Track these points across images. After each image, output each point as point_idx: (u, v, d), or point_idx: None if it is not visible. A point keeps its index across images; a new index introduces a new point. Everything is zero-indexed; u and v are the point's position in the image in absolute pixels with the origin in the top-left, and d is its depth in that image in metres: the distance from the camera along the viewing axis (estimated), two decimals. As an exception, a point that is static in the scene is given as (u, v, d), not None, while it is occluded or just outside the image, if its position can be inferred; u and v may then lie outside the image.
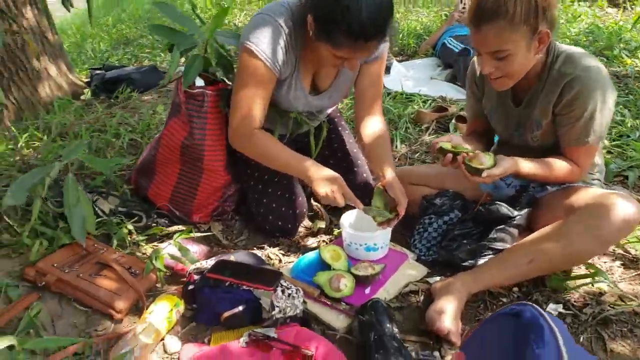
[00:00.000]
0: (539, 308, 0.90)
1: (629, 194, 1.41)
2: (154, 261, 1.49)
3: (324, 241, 1.75)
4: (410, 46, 4.50)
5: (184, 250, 1.53)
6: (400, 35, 4.80)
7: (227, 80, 1.78)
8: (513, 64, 1.35)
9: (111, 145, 2.38)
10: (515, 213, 1.50)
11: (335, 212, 1.81)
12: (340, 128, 1.95)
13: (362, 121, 1.70)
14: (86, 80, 3.49)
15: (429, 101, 3.10)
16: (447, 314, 1.27)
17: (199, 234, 1.74)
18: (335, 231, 1.79)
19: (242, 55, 1.49)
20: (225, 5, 1.68)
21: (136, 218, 1.80)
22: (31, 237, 1.53)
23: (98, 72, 3.42)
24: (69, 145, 2.16)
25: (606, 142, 2.30)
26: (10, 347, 1.10)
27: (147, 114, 2.78)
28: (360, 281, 1.44)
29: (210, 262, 1.44)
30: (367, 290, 1.44)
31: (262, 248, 1.72)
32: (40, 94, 2.97)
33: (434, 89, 3.33)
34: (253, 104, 1.52)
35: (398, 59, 4.16)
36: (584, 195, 1.41)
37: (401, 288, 1.47)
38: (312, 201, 1.85)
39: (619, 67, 3.48)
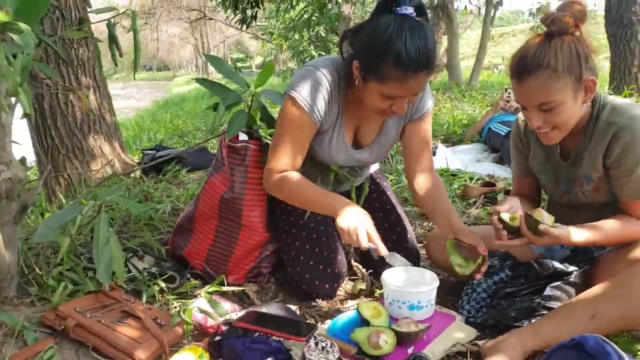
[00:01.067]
0: (603, 337, 0.77)
1: None
2: (181, 314, 1.41)
3: (364, 304, 1.63)
4: (457, 134, 4.54)
5: (214, 304, 1.45)
6: (446, 125, 4.89)
7: (270, 139, 1.80)
8: (562, 114, 1.31)
9: (154, 212, 2.40)
10: (571, 268, 1.37)
11: (377, 275, 1.70)
12: (382, 188, 1.90)
13: (415, 178, 1.66)
14: (138, 161, 3.66)
15: (475, 178, 3.03)
16: (500, 374, 1.11)
17: (231, 289, 1.66)
18: (377, 292, 1.67)
19: (284, 104, 1.52)
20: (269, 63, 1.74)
21: (168, 275, 1.74)
22: (56, 279, 1.49)
23: (149, 152, 3.58)
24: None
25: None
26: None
27: (193, 187, 2.83)
28: (402, 339, 1.30)
29: (240, 315, 1.35)
30: (410, 350, 1.29)
31: (299, 308, 1.61)
32: (92, 171, 3.11)
33: (481, 168, 3.27)
34: (290, 150, 1.52)
35: (444, 145, 4.17)
36: None
37: (447, 349, 1.31)
38: (352, 261, 1.76)
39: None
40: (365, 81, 1.39)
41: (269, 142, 1.79)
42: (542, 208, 1.43)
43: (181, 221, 1.90)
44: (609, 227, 1.34)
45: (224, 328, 1.31)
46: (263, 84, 1.72)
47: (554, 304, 1.35)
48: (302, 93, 1.48)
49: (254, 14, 6.88)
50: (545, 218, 1.31)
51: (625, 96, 4.39)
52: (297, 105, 1.48)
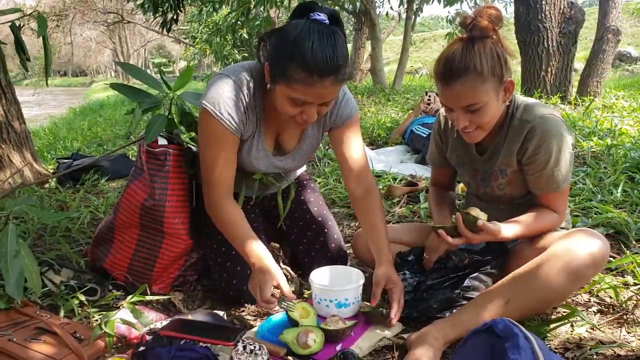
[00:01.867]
0: (512, 320, 0.83)
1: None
2: (102, 326, 1.35)
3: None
4: (381, 137, 4.68)
5: (137, 314, 1.40)
6: (371, 129, 5.02)
7: (191, 143, 1.76)
8: (486, 115, 1.37)
9: (71, 223, 2.28)
10: (487, 257, 1.45)
11: (306, 277, 1.72)
12: (309, 190, 1.91)
13: (355, 196, 1.64)
14: (52, 171, 3.45)
15: (399, 178, 3.13)
16: (424, 363, 1.16)
17: (155, 298, 1.60)
18: (306, 293, 1.68)
19: (200, 115, 1.48)
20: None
21: (88, 288, 1.66)
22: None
23: (65, 161, 3.39)
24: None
25: (572, 206, 2.34)
26: None
27: (113, 195, 2.71)
28: (331, 336, 1.32)
29: (165, 323, 1.31)
30: (338, 347, 1.31)
31: (227, 314, 1.58)
32: None
33: (404, 169, 3.39)
34: (217, 166, 1.49)
35: (369, 147, 4.27)
36: (552, 237, 1.42)
37: (374, 344, 1.35)
38: (281, 264, 1.76)
39: (576, 148, 3.67)
40: (273, 84, 1.37)
41: (191, 147, 1.76)
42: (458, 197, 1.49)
43: (100, 231, 1.81)
44: (529, 221, 1.43)
45: (148, 338, 1.26)
46: (182, 87, 1.68)
47: (473, 294, 1.42)
48: (217, 106, 1.44)
49: (175, 17, 6.70)
50: (480, 215, 1.36)
51: (536, 98, 4.73)
52: (214, 121, 1.44)
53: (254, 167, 1.64)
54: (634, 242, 1.95)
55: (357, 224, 2.45)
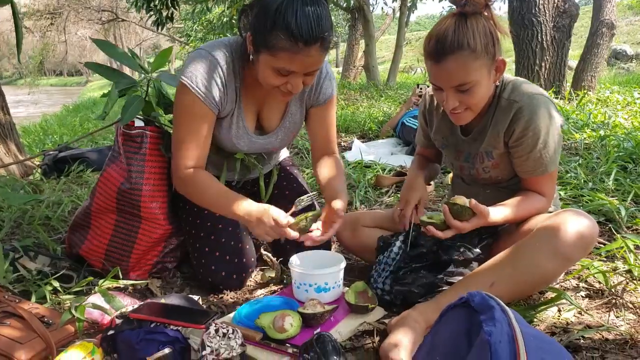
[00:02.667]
0: (488, 293, 0.79)
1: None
2: (73, 310, 1.30)
3: (274, 291, 1.59)
4: (373, 130, 4.64)
5: (109, 298, 1.35)
6: (363, 122, 4.99)
7: (170, 126, 1.71)
8: (477, 95, 1.32)
9: (51, 211, 2.22)
10: (476, 251, 1.40)
11: (286, 262, 1.67)
12: (292, 175, 1.87)
13: (318, 162, 1.65)
14: (39, 163, 3.39)
15: (388, 169, 3.09)
16: (403, 346, 1.11)
17: (130, 282, 1.55)
18: (287, 279, 1.63)
19: (177, 90, 1.44)
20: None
21: (64, 275, 1.61)
22: None
23: (51, 152, 3.33)
24: None
25: (563, 194, 2.31)
26: None
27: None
28: (308, 320, 1.27)
29: (136, 307, 1.26)
30: (316, 331, 1.26)
31: (205, 300, 1.54)
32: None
33: (394, 160, 3.35)
34: (190, 142, 1.45)
35: (360, 141, 4.24)
36: (539, 218, 1.38)
37: (355, 329, 1.30)
38: (262, 250, 1.71)
39: (569, 139, 3.64)
40: (257, 54, 1.34)
41: (169, 129, 1.71)
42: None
43: (77, 217, 1.76)
44: (517, 205, 1.39)
45: (118, 321, 1.21)
46: (160, 67, 1.63)
47: (457, 279, 1.37)
48: (195, 80, 1.40)
49: (169, 15, 6.65)
50: (466, 201, 1.30)
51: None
52: (191, 95, 1.41)
53: (235, 147, 1.59)
54: (625, 229, 1.92)
55: (344, 214, 2.40)
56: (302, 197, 1.47)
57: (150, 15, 6.62)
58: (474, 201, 1.28)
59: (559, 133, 1.38)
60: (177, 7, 6.46)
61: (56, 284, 1.55)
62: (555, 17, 5.63)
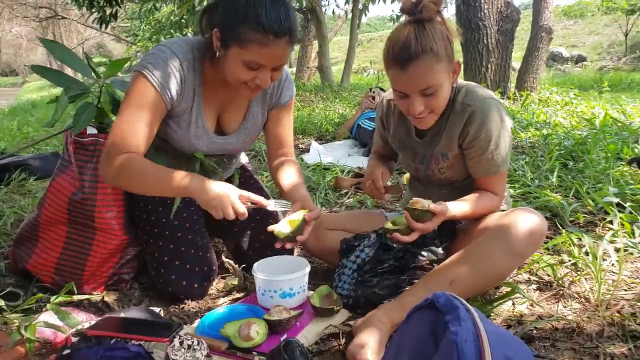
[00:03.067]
0: (453, 294, 0.82)
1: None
2: (22, 330, 1.23)
3: (237, 299, 1.57)
4: (329, 132, 4.68)
5: (63, 315, 1.29)
6: (320, 124, 5.01)
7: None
8: (440, 97, 1.36)
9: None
10: (440, 253, 1.45)
11: (249, 269, 1.66)
12: (252, 180, 1.87)
13: (277, 165, 1.65)
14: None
15: (346, 170, 3.13)
16: (369, 346, 1.13)
17: (85, 297, 1.49)
18: (250, 286, 1.62)
19: (131, 79, 1.40)
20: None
21: (9, 292, 1.52)
22: None
23: (-11, 160, 3.15)
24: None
25: (512, 191, 2.41)
26: None
27: (41, 194, 2.54)
28: (274, 327, 1.26)
29: (94, 322, 1.21)
30: (283, 338, 1.26)
31: (166, 311, 1.50)
32: None
33: (352, 162, 3.39)
34: (135, 128, 1.35)
35: (318, 142, 4.26)
36: (493, 217, 1.44)
37: (321, 332, 1.31)
38: (223, 257, 1.69)
39: (516, 139, 3.80)
40: (226, 49, 1.34)
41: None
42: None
43: (23, 230, 1.68)
44: (474, 201, 1.44)
45: (74, 339, 1.16)
46: (114, 74, 1.58)
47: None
48: (151, 69, 1.38)
49: (113, 13, 6.42)
50: (424, 204, 1.33)
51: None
52: (146, 83, 1.37)
53: (193, 147, 1.57)
54: (568, 223, 2.02)
55: (303, 217, 2.41)
56: (279, 201, 1.45)
57: (93, 13, 6.36)
58: (432, 205, 1.32)
59: (509, 135, 1.44)
60: (120, 4, 6.24)
61: (1, 302, 1.47)
62: (499, 21, 5.86)
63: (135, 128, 1.35)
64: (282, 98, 1.62)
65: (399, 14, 10.75)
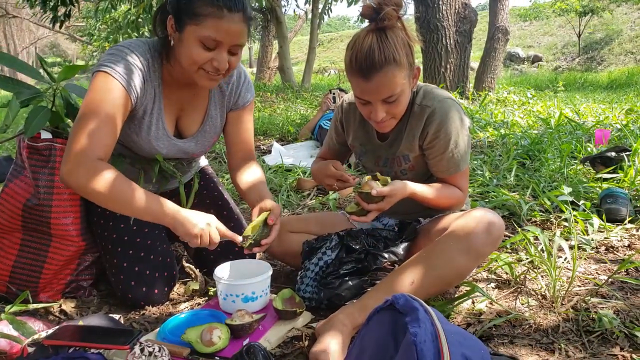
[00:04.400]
0: (411, 295, 0.84)
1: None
2: (-25, 343, 1.19)
3: (198, 304, 1.56)
4: (291, 133, 4.68)
5: (18, 325, 1.25)
6: (281, 124, 5.01)
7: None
8: (401, 104, 1.39)
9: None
10: (400, 254, 1.47)
11: (210, 273, 1.65)
12: (212, 184, 1.85)
13: (238, 168, 1.64)
14: None
15: (308, 172, 3.14)
16: (331, 349, 1.14)
17: (41, 305, 1.45)
18: (212, 290, 1.60)
19: (92, 79, 1.36)
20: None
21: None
22: None
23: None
24: None
25: (471, 191, 2.47)
26: None
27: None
28: (237, 331, 1.26)
29: (51, 331, 1.18)
30: (245, 342, 1.25)
31: (126, 318, 1.47)
32: None
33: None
34: (104, 129, 1.29)
35: (279, 143, 4.26)
36: (452, 217, 1.48)
37: (283, 335, 1.31)
38: (184, 262, 1.67)
39: (474, 138, 3.90)
40: (181, 31, 1.33)
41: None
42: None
43: (-26, 238, 1.61)
44: (439, 188, 1.48)
45: (30, 350, 1.13)
46: (68, 77, 1.53)
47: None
48: (115, 67, 1.35)
49: (67, 13, 6.22)
50: (374, 185, 1.36)
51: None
52: (110, 78, 1.33)
53: (153, 148, 1.54)
54: (525, 221, 2.09)
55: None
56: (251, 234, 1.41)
57: (47, 12, 6.15)
58: (375, 191, 1.34)
59: (467, 134, 1.49)
60: (75, 4, 6.06)
61: (-49, 314, 1.41)
62: (457, 22, 6.01)
63: (102, 130, 1.29)
64: (241, 100, 1.62)
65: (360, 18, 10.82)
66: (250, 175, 1.61)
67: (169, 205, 1.32)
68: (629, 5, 18.80)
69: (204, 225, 1.31)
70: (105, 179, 1.26)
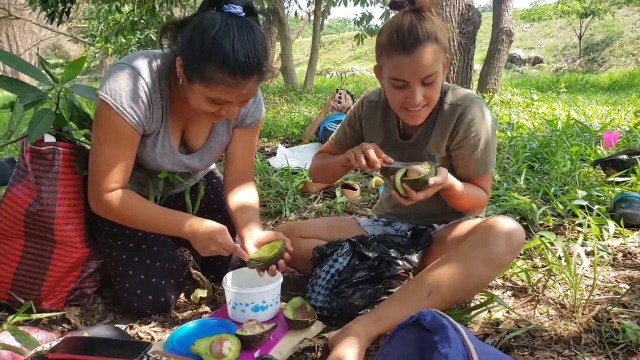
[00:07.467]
0: (439, 311, 0.79)
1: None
2: (-23, 355, 1.15)
3: (206, 312, 1.51)
4: (295, 134, 4.64)
5: (21, 335, 1.20)
6: (285, 126, 4.97)
7: (86, 142, 1.58)
8: (437, 88, 1.33)
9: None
10: (415, 262, 1.42)
11: (218, 280, 1.60)
12: (220, 188, 1.80)
13: (231, 186, 1.58)
14: None
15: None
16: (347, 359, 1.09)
17: (44, 315, 1.41)
18: (220, 298, 1.56)
19: (98, 108, 1.33)
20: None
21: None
22: None
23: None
24: None
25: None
26: None
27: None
28: (247, 343, 1.21)
29: (55, 343, 1.14)
30: (257, 354, 1.21)
31: (131, 327, 1.43)
32: None
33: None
34: (114, 165, 1.36)
35: (283, 145, 4.21)
36: (469, 224, 1.43)
37: (295, 346, 1.27)
38: (191, 269, 1.62)
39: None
40: (189, 82, 1.26)
41: (84, 145, 1.57)
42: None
43: (-26, 244, 1.57)
44: (469, 187, 1.43)
45: (33, 364, 1.09)
46: (71, 78, 1.49)
47: (396, 289, 1.37)
48: (119, 99, 1.29)
49: (66, 10, 6.17)
50: (422, 171, 1.28)
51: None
52: (115, 115, 1.30)
53: (158, 165, 1.50)
54: (537, 226, 2.05)
55: (273, 224, 2.36)
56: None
57: (45, 9, 6.10)
58: (432, 180, 1.27)
59: (495, 133, 1.44)
60: (73, 1, 6.01)
61: (-49, 324, 1.37)
62: (460, 23, 5.95)
63: (118, 165, 1.36)
64: (249, 118, 1.55)
65: (360, 17, 10.77)
66: (243, 196, 1.55)
67: (186, 219, 1.40)
68: (630, 7, 18.77)
69: (212, 247, 1.36)
70: (123, 206, 1.39)
